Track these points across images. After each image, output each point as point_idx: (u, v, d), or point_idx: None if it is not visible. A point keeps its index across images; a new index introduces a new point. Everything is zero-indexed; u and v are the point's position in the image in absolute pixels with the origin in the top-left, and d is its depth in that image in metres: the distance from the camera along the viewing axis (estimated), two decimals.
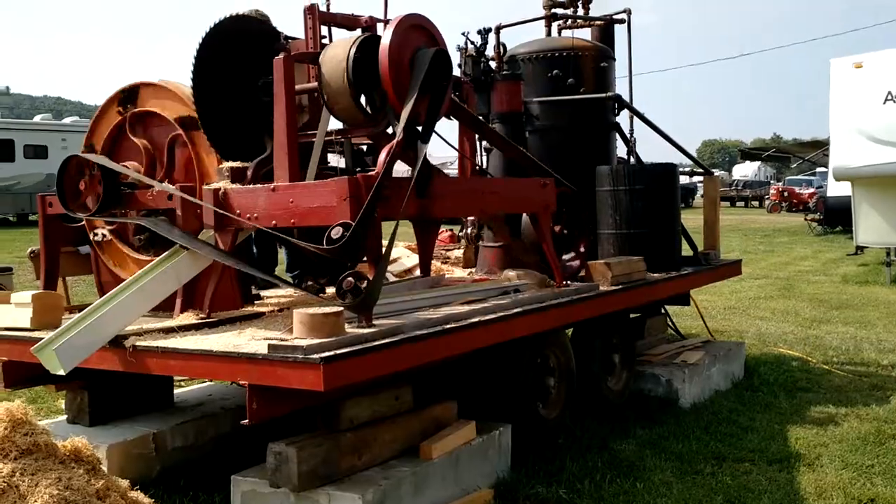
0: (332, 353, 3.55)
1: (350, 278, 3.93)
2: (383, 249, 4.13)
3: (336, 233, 3.89)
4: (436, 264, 7.09)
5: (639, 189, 6.80)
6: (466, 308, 4.64)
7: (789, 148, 36.86)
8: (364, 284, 3.91)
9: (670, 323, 8.14)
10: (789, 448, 5.57)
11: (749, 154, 45.40)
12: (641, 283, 6.14)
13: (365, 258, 4.18)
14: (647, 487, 4.83)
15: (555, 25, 7.82)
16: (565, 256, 6.45)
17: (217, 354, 3.80)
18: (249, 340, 3.98)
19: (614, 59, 7.68)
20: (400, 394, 4.49)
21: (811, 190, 38.70)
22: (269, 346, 3.63)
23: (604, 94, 7.00)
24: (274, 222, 4.32)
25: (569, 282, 5.70)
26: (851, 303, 12.18)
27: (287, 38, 5.01)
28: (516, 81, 6.50)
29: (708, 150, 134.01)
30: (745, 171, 62.11)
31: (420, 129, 4.37)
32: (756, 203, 50.59)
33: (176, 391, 5.70)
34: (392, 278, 6.64)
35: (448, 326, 4.22)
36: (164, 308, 4.74)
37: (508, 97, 6.44)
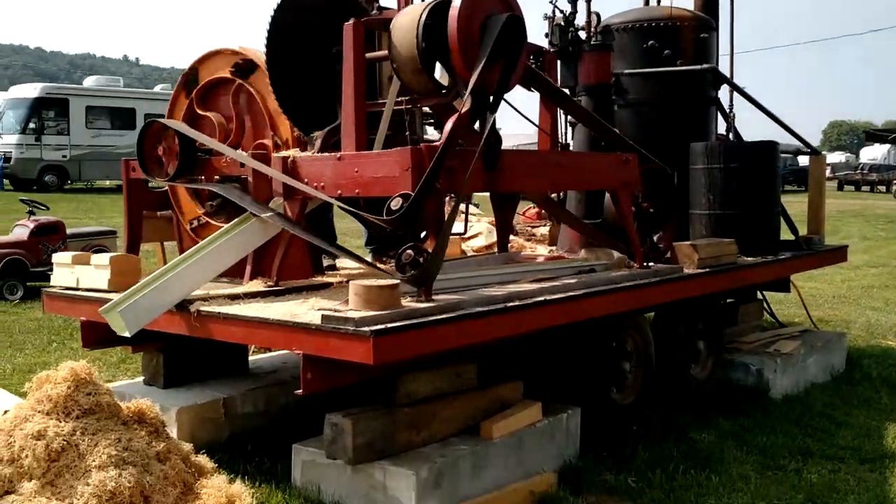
0: (383, 326, 3.47)
1: (409, 251, 3.84)
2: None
3: (395, 204, 3.80)
4: (519, 241, 6.95)
5: (734, 167, 6.45)
6: (534, 286, 4.48)
7: None
8: (424, 258, 3.81)
9: (767, 309, 7.75)
10: (885, 447, 5.19)
11: (875, 136, 43.08)
12: (731, 267, 5.83)
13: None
14: (722, 481, 4.58)
15: None
16: (654, 237, 6.20)
17: (273, 323, 3.78)
18: (309, 311, 3.94)
19: (716, 31, 7.30)
20: (462, 371, 4.39)
21: None
22: (323, 316, 3.58)
23: (698, 67, 6.64)
24: (339, 192, 4.26)
25: (651, 263, 5.46)
26: None
27: (380, 7, 4.94)
28: (605, 52, 6.23)
29: (835, 132, 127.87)
30: (874, 153, 58.92)
31: (490, 98, 4.21)
32: (882, 188, 47.92)
33: (252, 357, 5.76)
34: (470, 253, 6.54)
35: (509, 304, 4.08)
36: (236, 274, 4.77)
37: (596, 69, 6.18)
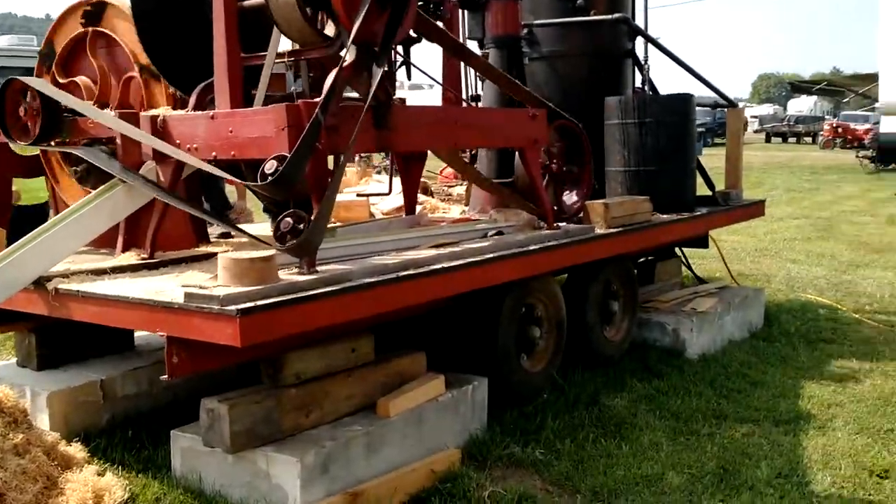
0: (252, 303, 3.14)
1: (288, 218, 3.50)
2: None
3: (270, 167, 3.45)
4: (432, 202, 6.66)
5: (648, 122, 6.23)
6: (433, 252, 4.18)
7: (843, 81, 35.30)
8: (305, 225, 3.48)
9: (687, 266, 7.61)
10: (800, 407, 5.08)
11: (800, 87, 43.73)
12: (645, 226, 5.62)
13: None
14: (633, 450, 4.39)
15: None
16: (566, 196, 5.96)
17: (133, 301, 3.41)
18: (179, 287, 3.58)
19: None
20: (358, 345, 4.08)
21: (867, 126, 37.02)
22: (186, 294, 3.23)
23: (609, 16, 6.36)
24: (214, 154, 3.88)
25: (562, 224, 5.22)
26: (895, 246, 11.45)
27: None
28: (513, 1, 5.90)
29: (764, 84, 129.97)
30: (801, 106, 59.94)
31: (376, 50, 3.85)
32: (809, 140, 48.84)
33: (138, 333, 5.36)
34: (379, 216, 6.22)
35: (401, 274, 3.78)
36: (110, 245, 4.38)
37: (504, 19, 5.84)
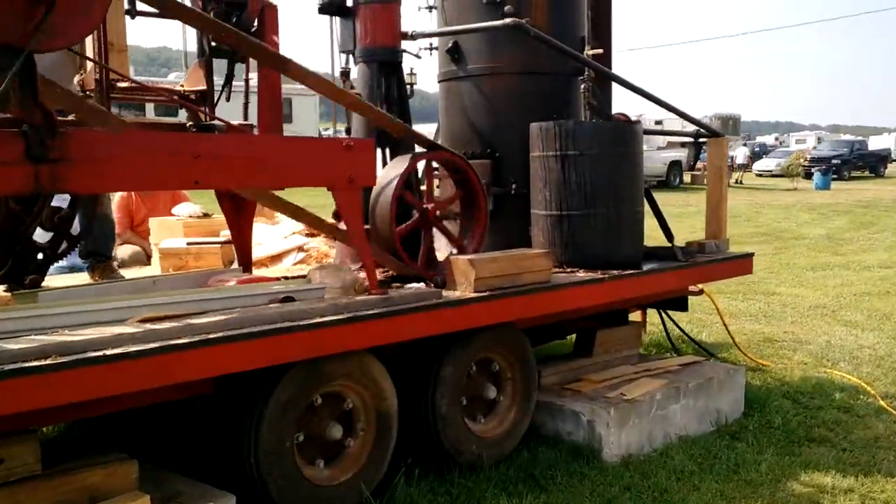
0: None
1: None
2: None
3: None
4: (323, 248, 5.58)
5: (572, 155, 4.94)
6: (134, 330, 3.09)
7: None
8: None
9: (665, 331, 6.18)
10: None
11: None
12: (532, 289, 4.33)
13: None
14: None
15: None
16: (455, 248, 4.77)
17: None
18: None
19: None
20: (10, 454, 3.03)
21: None
22: None
23: (499, 22, 5.11)
24: None
25: (397, 285, 4.06)
26: None
27: None
28: (389, 3, 4.76)
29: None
30: None
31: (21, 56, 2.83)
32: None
33: None
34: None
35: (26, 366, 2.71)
36: None
37: (374, 27, 4.73)
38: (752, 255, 5.79)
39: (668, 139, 37.75)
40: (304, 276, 4.13)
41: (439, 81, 5.97)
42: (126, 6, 3.79)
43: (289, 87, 33.00)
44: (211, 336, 3.14)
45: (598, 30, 5.80)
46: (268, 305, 3.56)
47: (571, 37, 5.58)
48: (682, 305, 6.00)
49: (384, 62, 4.80)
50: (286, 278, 4.27)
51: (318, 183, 3.82)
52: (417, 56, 4.98)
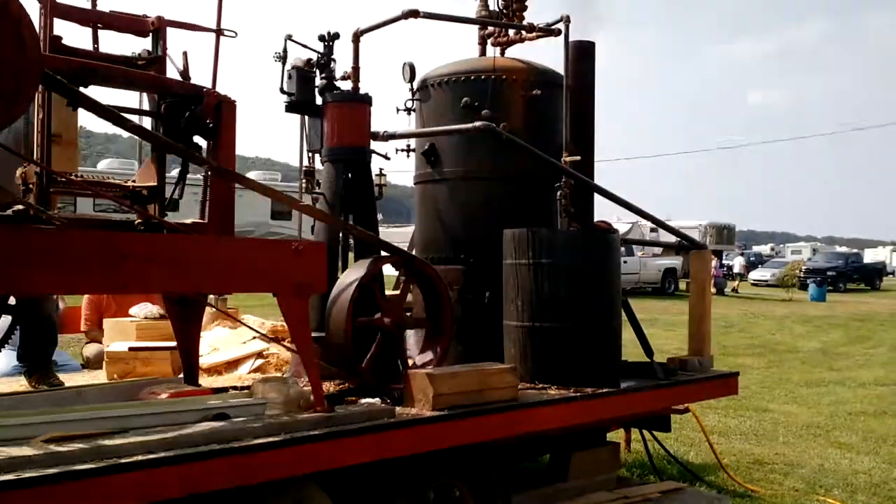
0: None
1: None
2: None
3: None
4: (283, 354, 5.26)
5: (545, 263, 4.69)
6: (19, 453, 2.76)
7: None
8: None
9: (647, 452, 5.81)
10: None
11: None
12: (493, 409, 4.00)
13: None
14: None
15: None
16: (418, 359, 4.49)
17: None
18: None
19: (560, 87, 5.63)
20: None
21: None
22: None
23: (469, 125, 4.94)
24: None
25: (352, 399, 3.76)
26: None
27: None
28: (357, 103, 4.60)
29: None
30: None
31: None
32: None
33: None
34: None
35: None
36: None
37: (340, 127, 4.56)
38: (737, 374, 5.47)
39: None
40: (247, 389, 3.81)
41: (415, 183, 5.80)
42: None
43: (288, 184, 33.41)
44: (123, 461, 2.81)
45: (579, 136, 5.67)
46: (193, 424, 3.24)
47: (550, 143, 5.41)
48: (664, 425, 5.64)
49: (350, 162, 4.60)
50: (233, 389, 3.95)
51: (263, 288, 3.56)
52: (386, 157, 4.79)
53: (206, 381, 4.61)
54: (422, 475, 3.88)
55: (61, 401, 3.62)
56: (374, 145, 4.91)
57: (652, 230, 40.07)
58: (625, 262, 29.51)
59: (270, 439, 3.19)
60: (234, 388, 4.04)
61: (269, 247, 3.57)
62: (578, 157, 5.14)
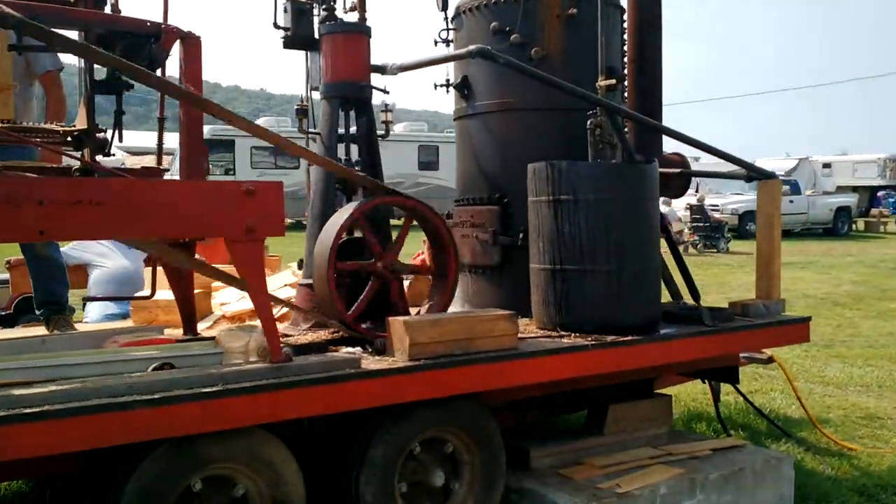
0: None
1: None
2: None
3: None
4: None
5: (565, 200, 4.25)
6: None
7: None
8: None
9: (715, 403, 5.25)
10: None
11: None
12: (481, 359, 3.65)
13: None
14: None
15: None
16: (423, 308, 4.22)
17: None
18: None
19: (615, 6, 5.09)
20: None
21: None
22: None
23: (464, 50, 4.48)
24: None
25: (333, 349, 3.56)
26: None
27: None
28: (353, 34, 4.28)
29: None
30: None
31: None
32: None
33: None
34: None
35: None
36: None
37: (335, 61, 4.26)
38: (809, 319, 4.79)
39: (838, 183, 35.19)
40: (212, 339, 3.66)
41: (454, 120, 5.45)
42: (14, 41, 3.50)
43: (435, 134, 33.37)
44: (26, 411, 2.72)
45: (645, 57, 5.14)
46: (132, 375, 3.11)
47: (595, 66, 4.88)
48: (731, 377, 5.06)
49: (348, 98, 4.32)
50: (194, 339, 3.82)
51: (210, 233, 3.39)
52: (385, 91, 4.47)
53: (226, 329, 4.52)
54: (402, 427, 3.61)
55: (24, 349, 3.61)
56: (382, 80, 4.58)
57: (825, 165, 37.33)
58: (791, 201, 27.63)
59: (201, 390, 3.02)
60: (203, 338, 3.89)
61: (217, 189, 3.35)
62: (614, 81, 4.61)
